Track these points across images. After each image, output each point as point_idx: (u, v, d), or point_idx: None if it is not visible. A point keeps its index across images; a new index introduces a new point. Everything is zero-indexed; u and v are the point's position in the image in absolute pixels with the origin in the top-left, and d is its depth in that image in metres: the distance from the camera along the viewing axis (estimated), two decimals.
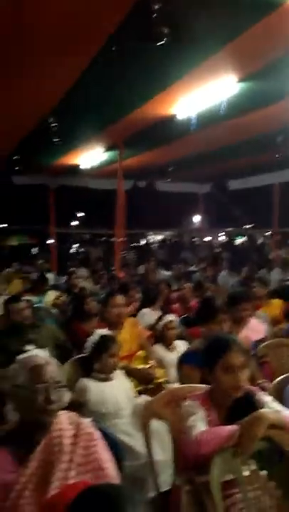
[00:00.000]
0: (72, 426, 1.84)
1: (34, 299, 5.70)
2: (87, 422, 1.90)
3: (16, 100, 5.50)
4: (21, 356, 2.65)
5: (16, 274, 9.21)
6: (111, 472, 1.80)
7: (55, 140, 6.58)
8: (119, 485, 1.71)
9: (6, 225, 18.24)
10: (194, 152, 8.34)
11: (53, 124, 6.11)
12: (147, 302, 5.29)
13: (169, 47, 3.84)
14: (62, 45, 4.03)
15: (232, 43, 4.09)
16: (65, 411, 1.91)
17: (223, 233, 18.98)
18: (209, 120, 6.10)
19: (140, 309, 5.19)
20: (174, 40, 3.76)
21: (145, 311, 5.10)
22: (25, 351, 2.91)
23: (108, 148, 8.03)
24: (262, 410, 1.96)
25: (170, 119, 6.16)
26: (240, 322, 3.74)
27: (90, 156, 8.61)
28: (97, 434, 1.87)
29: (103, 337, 3.06)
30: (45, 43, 4.00)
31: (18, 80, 4.87)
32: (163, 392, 2.62)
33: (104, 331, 3.18)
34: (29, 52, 4.18)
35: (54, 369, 1.88)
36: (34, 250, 18.01)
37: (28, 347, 2.94)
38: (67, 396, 1.91)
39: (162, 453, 2.62)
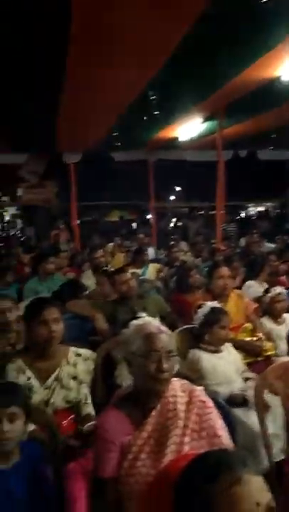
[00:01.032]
0: (186, 393, 1.86)
1: (137, 271, 5.84)
2: (199, 390, 1.91)
3: (114, 75, 5.56)
4: (135, 322, 2.74)
5: (118, 248, 9.52)
6: (225, 440, 1.80)
7: (154, 113, 6.56)
8: (232, 450, 1.71)
9: (107, 202, 18.82)
10: None
11: (152, 97, 6.08)
12: (251, 275, 5.17)
13: (272, 4, 3.61)
14: (160, 11, 3.94)
15: None
16: (177, 378, 1.94)
17: None
18: None
19: (244, 282, 5.09)
20: None
21: (250, 283, 5.00)
22: (137, 318, 3.02)
23: (207, 118, 7.83)
24: None
25: (274, 82, 5.82)
26: None
27: (189, 128, 8.47)
28: (210, 403, 1.87)
29: (214, 309, 3.05)
30: (141, 11, 3.94)
31: (119, 55, 4.90)
32: (275, 364, 2.56)
33: (215, 304, 3.16)
34: (128, 23, 4.16)
35: (166, 338, 1.90)
36: (134, 225, 18.44)
37: (140, 314, 3.04)
38: (177, 365, 1.93)
39: (273, 425, 2.58)
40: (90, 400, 2.73)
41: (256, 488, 1.11)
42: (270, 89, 6.06)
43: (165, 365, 1.81)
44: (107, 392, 2.91)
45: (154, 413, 1.81)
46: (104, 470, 1.76)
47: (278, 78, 5.72)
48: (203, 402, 1.85)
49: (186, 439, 1.76)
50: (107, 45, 4.63)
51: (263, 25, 4.33)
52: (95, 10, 3.91)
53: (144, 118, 7.20)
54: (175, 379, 1.91)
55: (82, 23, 4.05)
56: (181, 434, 1.76)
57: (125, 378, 2.92)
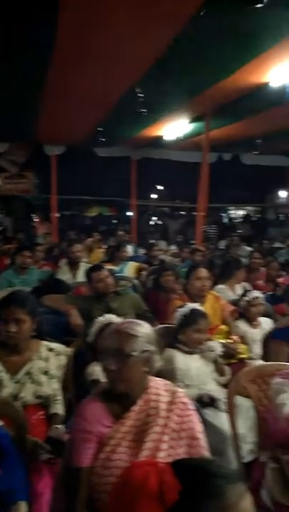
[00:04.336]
0: (168, 393, 1.87)
1: (115, 268, 5.80)
2: (181, 391, 1.92)
3: (102, 71, 5.50)
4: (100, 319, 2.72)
5: (97, 244, 9.45)
6: (203, 443, 1.82)
7: (141, 111, 6.51)
8: (211, 459, 1.71)
9: (87, 197, 18.58)
10: (286, 123, 7.87)
11: (140, 94, 6.03)
12: (223, 278, 5.11)
13: (265, 11, 3.63)
14: (151, 11, 3.92)
15: None
16: (160, 378, 1.95)
17: None
18: None
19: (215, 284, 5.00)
20: (271, 4, 3.55)
21: (220, 287, 4.89)
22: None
23: (194, 119, 7.83)
24: None
25: (262, 88, 5.85)
26: None
27: (175, 128, 8.47)
28: (192, 405, 1.89)
29: (193, 311, 3.03)
30: (133, 10, 3.91)
31: (105, 49, 4.84)
32: (249, 367, 2.57)
33: (196, 305, 3.15)
34: (116, 20, 4.12)
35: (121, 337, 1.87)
36: (113, 222, 18.36)
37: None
38: (158, 363, 1.92)
39: (242, 427, 2.59)
40: (60, 397, 2.68)
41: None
42: (258, 94, 6.10)
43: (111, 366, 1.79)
44: (78, 389, 2.88)
45: (135, 408, 1.81)
46: (80, 459, 1.75)
47: (266, 84, 5.76)
48: (185, 403, 1.85)
49: (165, 437, 1.76)
50: (96, 39, 4.58)
51: (254, 31, 4.35)
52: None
53: (130, 115, 7.14)
54: (158, 378, 1.92)
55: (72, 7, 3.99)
56: (160, 432, 1.76)
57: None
